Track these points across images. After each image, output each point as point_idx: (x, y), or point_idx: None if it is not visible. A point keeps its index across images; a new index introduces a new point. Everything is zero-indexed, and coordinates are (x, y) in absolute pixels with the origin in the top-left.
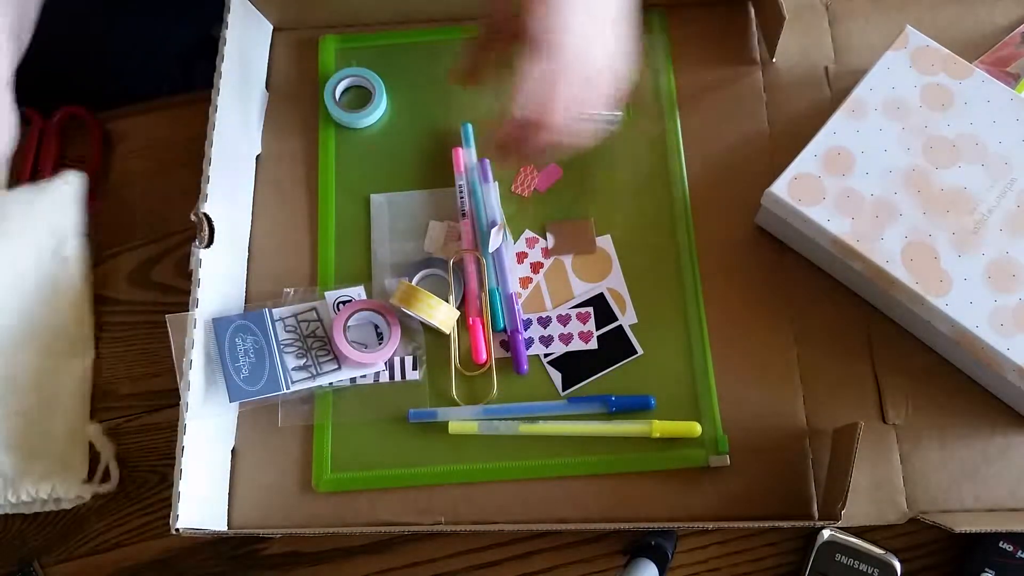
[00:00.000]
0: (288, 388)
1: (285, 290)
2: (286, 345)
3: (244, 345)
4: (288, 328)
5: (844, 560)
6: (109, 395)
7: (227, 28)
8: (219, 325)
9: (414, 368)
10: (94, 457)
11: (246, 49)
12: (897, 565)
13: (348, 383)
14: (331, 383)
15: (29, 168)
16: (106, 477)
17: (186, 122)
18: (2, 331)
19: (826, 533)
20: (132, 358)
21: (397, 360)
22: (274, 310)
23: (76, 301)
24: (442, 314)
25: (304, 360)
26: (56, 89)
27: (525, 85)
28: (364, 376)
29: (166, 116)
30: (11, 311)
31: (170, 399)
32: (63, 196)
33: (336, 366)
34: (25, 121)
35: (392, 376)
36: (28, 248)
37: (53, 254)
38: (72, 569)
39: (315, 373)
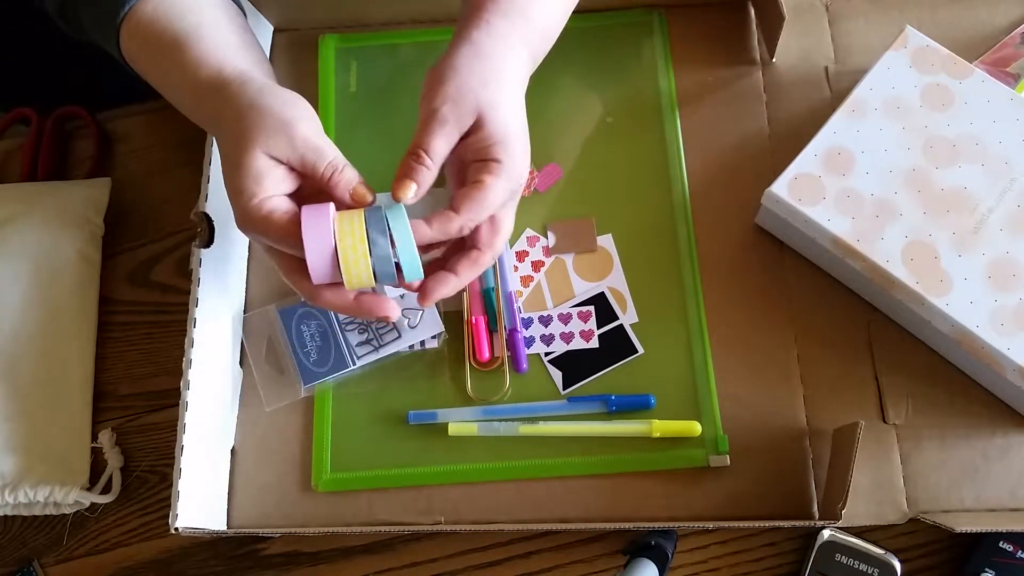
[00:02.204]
0: (355, 364)
1: None
2: (347, 323)
3: (309, 330)
4: None
5: (844, 560)
6: (109, 395)
7: None
8: (284, 315)
9: (432, 336)
10: (99, 461)
11: None
12: (897, 565)
13: (407, 350)
14: (395, 352)
15: (29, 168)
16: (108, 487)
17: (186, 122)
18: (10, 327)
19: (826, 533)
20: (132, 358)
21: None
22: None
23: (86, 302)
24: (357, 269)
25: (366, 335)
26: (56, 89)
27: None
28: (397, 348)
29: (166, 116)
30: (22, 306)
31: (170, 399)
32: (93, 197)
33: (396, 335)
34: (25, 121)
35: (411, 346)
36: (51, 242)
37: (76, 253)
38: (72, 569)
39: (378, 346)
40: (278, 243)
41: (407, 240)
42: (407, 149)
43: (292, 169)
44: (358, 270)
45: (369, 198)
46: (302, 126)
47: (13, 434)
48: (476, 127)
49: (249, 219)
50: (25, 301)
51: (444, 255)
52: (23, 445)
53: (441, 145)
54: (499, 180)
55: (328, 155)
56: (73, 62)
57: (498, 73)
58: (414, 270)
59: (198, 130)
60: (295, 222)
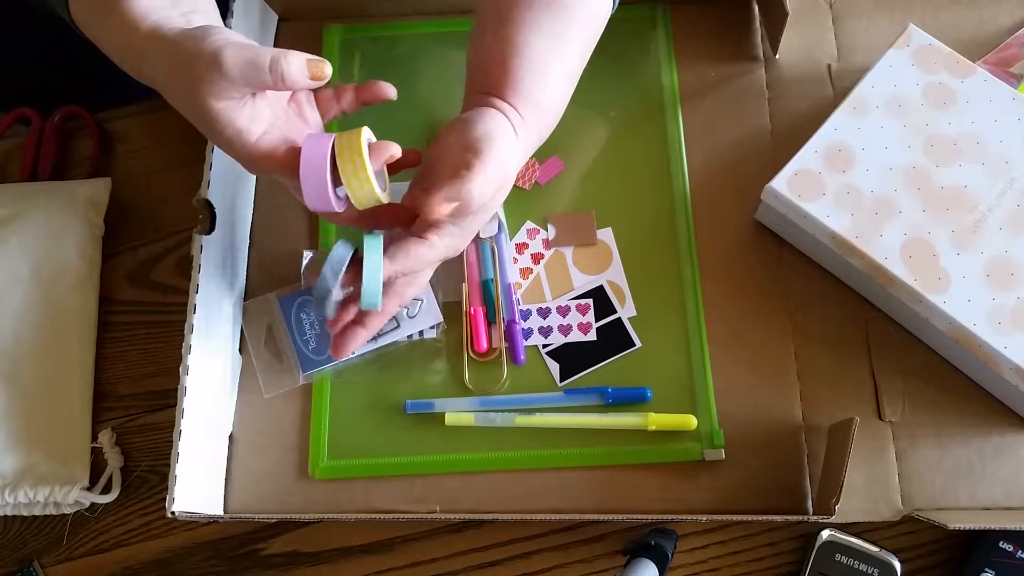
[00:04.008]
0: (353, 353)
1: (305, 252)
2: None
3: (309, 318)
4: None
5: (844, 560)
6: (109, 395)
7: (232, 17)
8: (284, 303)
9: (431, 326)
10: (99, 461)
11: (252, 39)
12: (897, 565)
13: (405, 340)
14: (393, 341)
15: (29, 168)
16: (108, 487)
17: (186, 122)
18: (10, 327)
19: (825, 533)
20: (132, 358)
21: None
22: None
23: (86, 302)
24: (365, 192)
25: None
26: (56, 89)
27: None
28: (396, 337)
29: (166, 116)
30: (22, 306)
31: (170, 399)
32: (93, 197)
33: (395, 325)
34: (25, 121)
35: (409, 335)
36: (51, 242)
37: (76, 253)
38: (72, 569)
39: (376, 335)
40: (286, 177)
41: (375, 270)
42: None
43: (252, 94)
44: (361, 191)
45: (327, 70)
46: (225, 56)
47: (13, 434)
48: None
49: (254, 163)
50: (25, 301)
51: (346, 305)
52: (23, 445)
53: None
54: (444, 243)
55: (263, 63)
56: (73, 62)
57: (512, 171)
58: (373, 299)
59: (198, 130)
60: (294, 154)
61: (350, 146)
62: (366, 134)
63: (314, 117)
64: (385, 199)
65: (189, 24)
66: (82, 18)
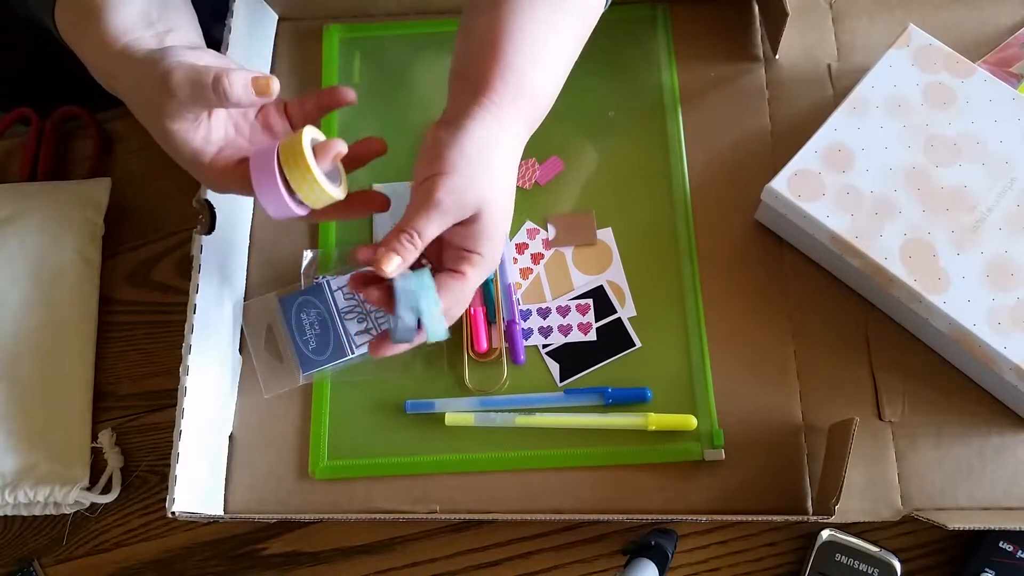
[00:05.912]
0: (353, 353)
1: (306, 252)
2: (346, 312)
3: (309, 319)
4: (347, 296)
5: (844, 560)
6: (109, 395)
7: (232, 17)
8: (284, 303)
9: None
10: (99, 461)
11: (251, 38)
12: (897, 565)
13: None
14: None
15: (29, 168)
16: (108, 487)
17: None
18: (10, 327)
19: (825, 533)
20: (132, 358)
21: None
22: (331, 280)
23: (86, 302)
24: (316, 192)
25: (365, 324)
26: (56, 89)
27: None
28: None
29: None
30: (22, 306)
31: (170, 399)
32: (93, 197)
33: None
34: (25, 121)
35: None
36: (51, 242)
37: (76, 253)
38: (72, 569)
39: (376, 335)
40: (245, 193)
41: (434, 311)
42: (398, 224)
43: (208, 113)
44: (312, 192)
45: (274, 86)
46: (173, 78)
47: (13, 434)
48: (471, 220)
49: (212, 182)
50: (25, 301)
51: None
52: (23, 445)
53: (434, 231)
54: (478, 271)
55: (207, 83)
56: (73, 63)
57: (503, 166)
58: (440, 334)
59: None
60: (245, 167)
61: (292, 151)
62: (308, 134)
63: (283, 127)
64: (340, 195)
65: (160, 45)
66: (65, 34)
